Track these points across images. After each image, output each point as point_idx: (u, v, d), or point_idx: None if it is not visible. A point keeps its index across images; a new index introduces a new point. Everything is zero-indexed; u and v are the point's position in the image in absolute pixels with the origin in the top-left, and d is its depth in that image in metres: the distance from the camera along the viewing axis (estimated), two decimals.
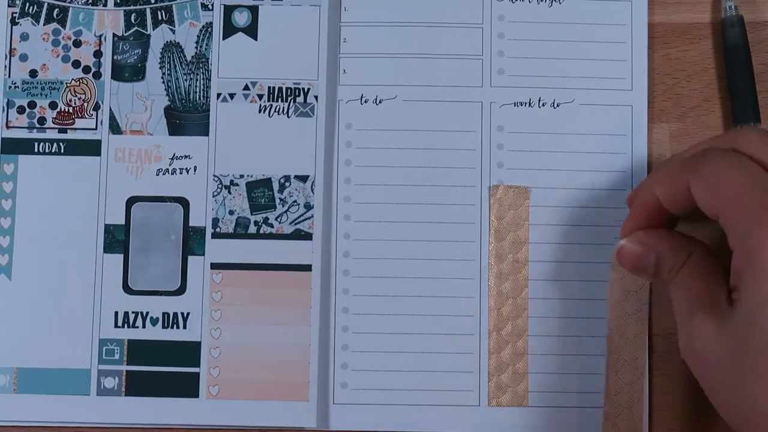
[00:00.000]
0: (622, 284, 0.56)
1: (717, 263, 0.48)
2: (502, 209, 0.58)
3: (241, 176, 0.59)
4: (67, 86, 0.59)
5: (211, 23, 0.60)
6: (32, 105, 0.59)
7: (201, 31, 0.60)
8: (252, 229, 0.58)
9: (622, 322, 0.56)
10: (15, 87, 0.59)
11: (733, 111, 0.59)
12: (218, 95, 0.59)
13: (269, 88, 0.59)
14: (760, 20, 0.60)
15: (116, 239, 0.58)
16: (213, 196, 0.59)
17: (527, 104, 0.59)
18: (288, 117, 0.59)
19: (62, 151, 0.59)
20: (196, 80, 0.59)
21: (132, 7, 0.60)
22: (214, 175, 0.59)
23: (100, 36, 0.60)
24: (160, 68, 0.59)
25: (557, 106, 0.59)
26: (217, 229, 0.58)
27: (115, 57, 0.59)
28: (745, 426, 0.44)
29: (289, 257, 0.58)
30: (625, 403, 0.56)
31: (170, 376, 0.57)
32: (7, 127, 0.59)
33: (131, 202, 0.59)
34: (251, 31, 0.60)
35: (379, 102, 0.59)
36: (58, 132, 0.59)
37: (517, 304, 0.58)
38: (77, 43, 0.60)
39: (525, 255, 0.58)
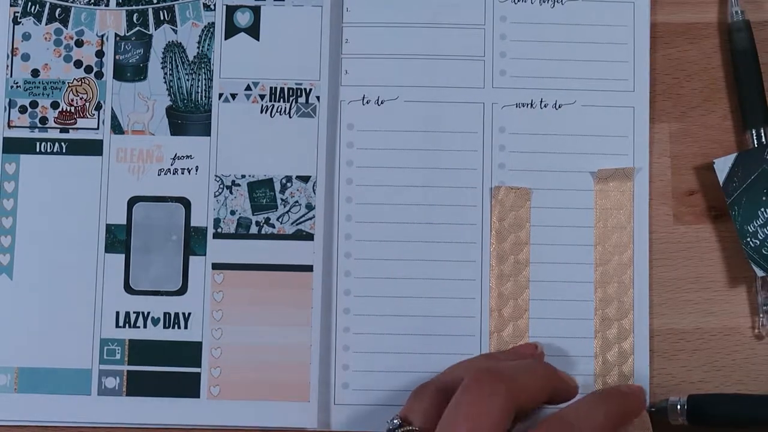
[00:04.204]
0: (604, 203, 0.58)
1: None
2: (503, 210, 0.58)
3: (243, 176, 0.59)
4: (69, 86, 0.59)
5: (213, 23, 0.59)
6: (34, 105, 0.59)
7: (203, 31, 0.59)
8: (253, 229, 0.58)
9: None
10: (17, 86, 0.59)
11: (742, 115, 0.59)
12: (220, 95, 0.59)
13: (271, 88, 0.59)
14: (762, 20, 0.60)
15: (117, 239, 0.58)
16: (214, 197, 0.59)
17: (529, 105, 0.59)
18: (290, 117, 0.59)
19: (64, 150, 0.59)
20: (198, 80, 0.59)
21: (134, 7, 0.60)
22: (216, 176, 0.59)
23: (102, 36, 0.60)
24: (162, 68, 0.59)
25: (559, 107, 0.59)
26: (219, 230, 0.58)
27: (117, 57, 0.59)
28: None
29: (290, 258, 0.58)
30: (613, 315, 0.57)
31: (171, 377, 0.57)
32: (9, 126, 0.59)
33: (133, 201, 0.59)
34: (253, 31, 0.60)
35: (381, 103, 0.59)
36: (60, 132, 0.59)
37: (518, 306, 0.58)
38: (79, 43, 0.59)
39: (526, 256, 0.58)
